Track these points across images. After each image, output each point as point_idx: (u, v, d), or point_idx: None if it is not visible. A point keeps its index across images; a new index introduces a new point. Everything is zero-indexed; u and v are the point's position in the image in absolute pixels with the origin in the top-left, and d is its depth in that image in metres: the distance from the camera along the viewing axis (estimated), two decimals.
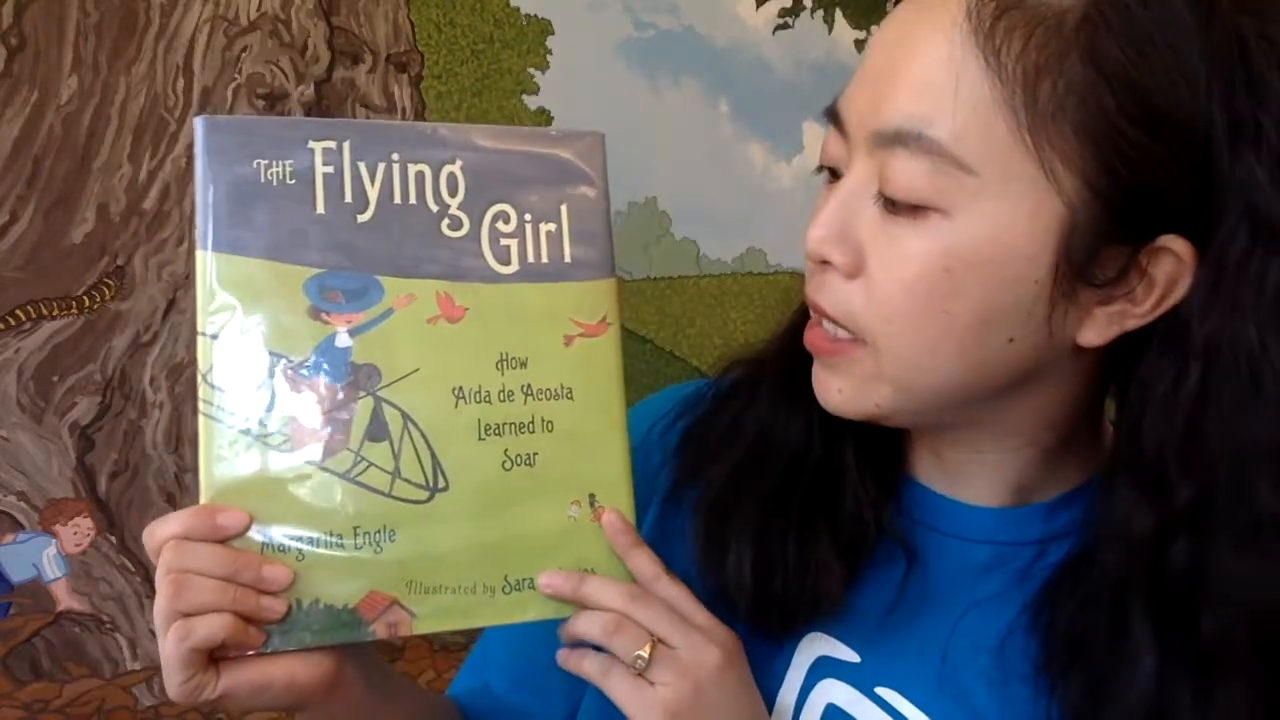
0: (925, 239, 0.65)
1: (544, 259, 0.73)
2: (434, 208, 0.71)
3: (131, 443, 1.82)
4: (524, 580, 0.71)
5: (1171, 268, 0.65)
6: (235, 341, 0.68)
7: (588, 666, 0.71)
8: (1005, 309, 0.65)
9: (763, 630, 0.76)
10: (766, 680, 0.77)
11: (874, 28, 2.24)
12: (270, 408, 0.68)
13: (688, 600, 0.72)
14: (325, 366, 0.68)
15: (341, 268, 0.69)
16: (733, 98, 2.24)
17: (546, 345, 0.73)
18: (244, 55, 1.90)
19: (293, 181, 0.69)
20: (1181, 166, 0.63)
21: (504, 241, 0.73)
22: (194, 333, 0.68)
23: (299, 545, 0.67)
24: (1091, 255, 0.64)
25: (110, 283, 1.81)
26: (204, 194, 0.68)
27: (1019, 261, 0.64)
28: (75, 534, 1.80)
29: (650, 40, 2.19)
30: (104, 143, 1.81)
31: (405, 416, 0.70)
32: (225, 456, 0.67)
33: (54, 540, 1.79)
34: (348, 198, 0.70)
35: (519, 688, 0.86)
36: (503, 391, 0.72)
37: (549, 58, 2.11)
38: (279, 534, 0.67)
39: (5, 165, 1.75)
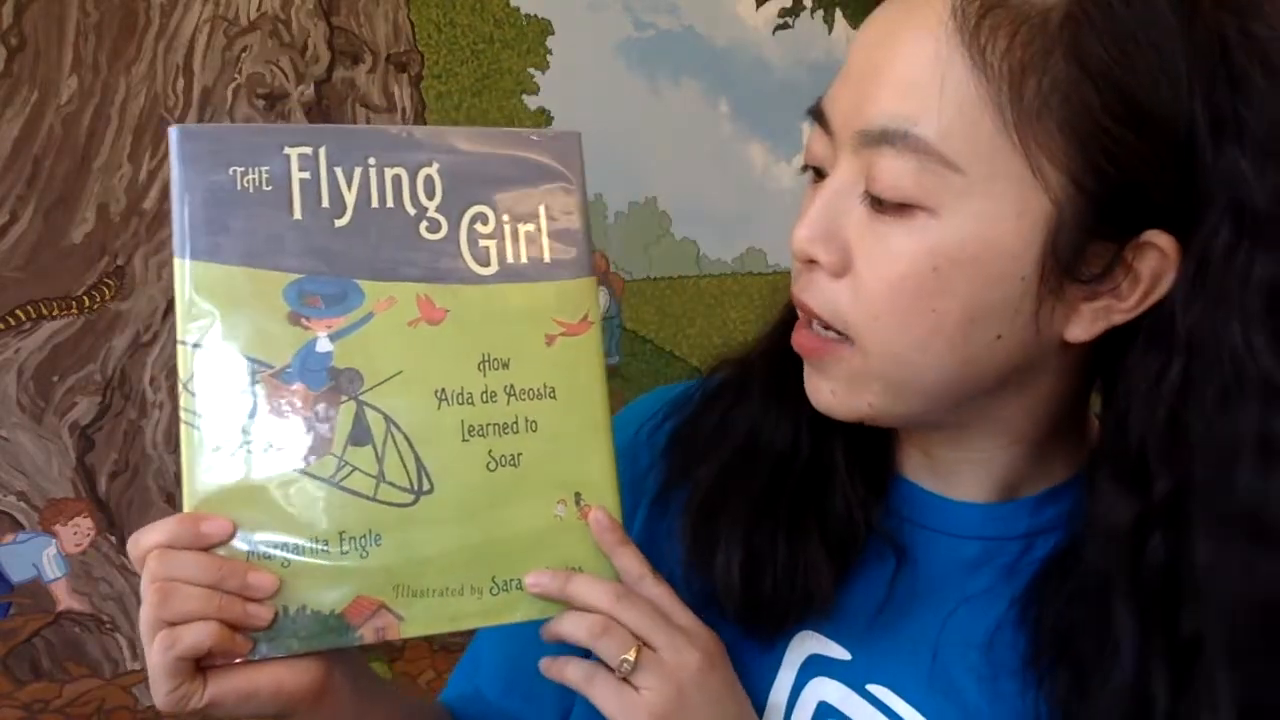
0: (912, 238, 0.65)
1: (523, 259, 0.73)
2: (412, 211, 0.71)
3: (131, 443, 1.82)
4: (511, 581, 0.71)
5: (1157, 263, 0.65)
6: (215, 349, 0.67)
7: (571, 674, 0.71)
8: (993, 306, 0.65)
9: (753, 630, 0.76)
10: (758, 679, 0.77)
11: None
12: (252, 415, 0.67)
13: (671, 601, 0.72)
14: (306, 372, 0.68)
15: (320, 273, 0.69)
16: (733, 98, 2.24)
17: (528, 345, 0.73)
18: (244, 55, 1.90)
19: (269, 188, 0.69)
20: (1165, 162, 0.63)
21: (483, 243, 0.73)
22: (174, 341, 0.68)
23: (284, 552, 0.67)
24: (1077, 252, 0.64)
25: (110, 283, 1.81)
26: (180, 202, 0.68)
27: (1006, 259, 0.64)
28: (75, 534, 1.80)
29: (650, 40, 2.19)
30: (104, 143, 1.81)
31: (388, 420, 0.69)
32: (208, 464, 0.67)
33: (54, 540, 1.79)
34: (325, 203, 0.70)
35: (510, 692, 0.86)
36: (485, 392, 0.71)
37: (549, 58, 2.11)
38: (264, 541, 0.67)
39: (5, 165, 1.75)
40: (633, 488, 0.81)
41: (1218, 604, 0.65)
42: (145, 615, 0.64)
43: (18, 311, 1.76)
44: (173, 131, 0.68)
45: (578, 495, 0.73)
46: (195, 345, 0.67)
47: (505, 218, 0.73)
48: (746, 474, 0.78)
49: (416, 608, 0.69)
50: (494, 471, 0.71)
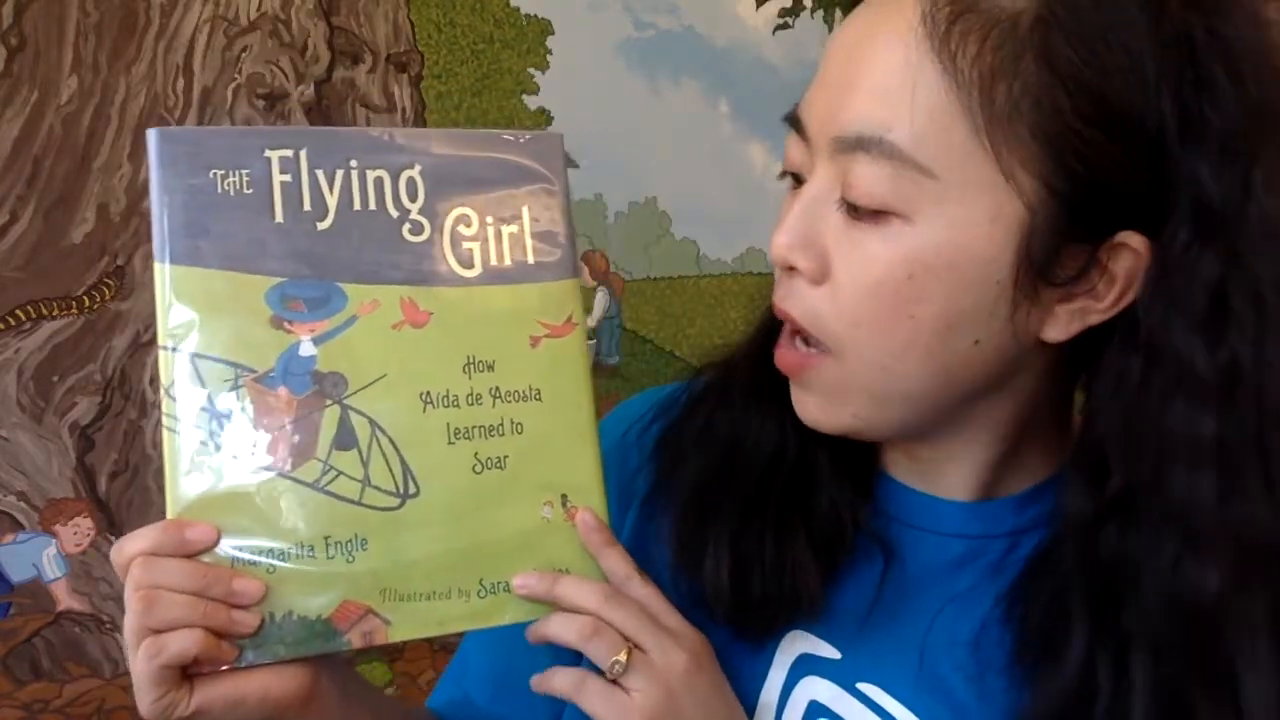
0: (887, 244, 0.65)
1: (507, 261, 0.73)
2: (394, 213, 0.71)
3: (131, 443, 1.82)
4: (499, 583, 0.71)
5: (1130, 263, 0.65)
6: (197, 354, 0.67)
7: (559, 683, 0.71)
8: (969, 311, 0.66)
9: (743, 631, 0.77)
10: (749, 679, 0.77)
11: None
12: (236, 419, 0.67)
13: (659, 602, 0.73)
14: (290, 376, 0.68)
15: (303, 276, 0.69)
16: (733, 98, 2.23)
17: (513, 347, 0.73)
18: (244, 55, 1.90)
19: (250, 191, 0.68)
20: (1136, 163, 0.63)
21: (466, 245, 0.72)
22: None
23: (269, 557, 0.66)
24: (1052, 255, 0.64)
25: (110, 283, 1.81)
26: (159, 206, 0.67)
27: (980, 264, 0.64)
28: (75, 534, 1.80)
29: (650, 40, 2.19)
30: (104, 143, 1.81)
31: (373, 423, 0.69)
32: (191, 470, 0.66)
33: (54, 540, 1.80)
34: (306, 205, 0.69)
35: (499, 697, 0.86)
36: (471, 395, 0.71)
37: (549, 58, 2.11)
38: (249, 547, 0.66)
39: (5, 165, 1.75)
40: (623, 489, 0.82)
41: (1146, 600, 0.66)
42: (129, 623, 0.64)
43: (18, 311, 1.76)
44: (151, 134, 0.68)
45: (564, 497, 0.73)
46: (176, 350, 0.67)
47: (488, 219, 0.73)
48: (733, 476, 0.78)
49: (404, 612, 0.68)
50: (480, 474, 0.71)
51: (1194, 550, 0.65)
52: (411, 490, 0.69)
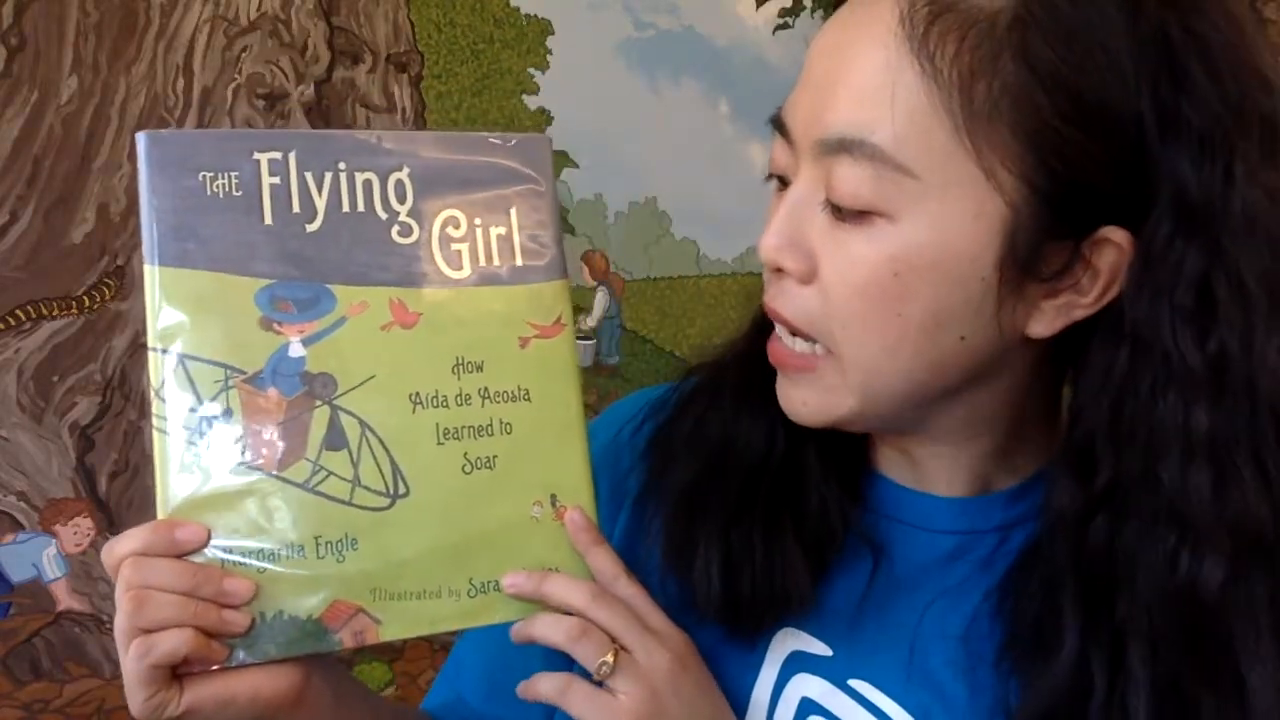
0: (872, 244, 0.65)
1: (495, 262, 0.74)
2: (383, 215, 0.71)
3: (131, 443, 1.83)
4: (489, 583, 0.71)
5: (1114, 258, 0.66)
6: (187, 356, 0.67)
7: (544, 688, 0.71)
8: (955, 308, 0.66)
9: (734, 630, 0.77)
10: (740, 678, 0.77)
11: None
12: (225, 421, 0.67)
13: (645, 601, 0.73)
14: (279, 377, 0.68)
15: (292, 278, 0.69)
16: (733, 98, 2.23)
17: (502, 348, 0.73)
18: (244, 55, 1.90)
19: (239, 193, 0.69)
20: (1116, 160, 0.64)
21: (455, 246, 0.73)
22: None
23: (260, 558, 0.67)
24: (1035, 251, 0.65)
25: (110, 283, 1.81)
26: (149, 209, 0.68)
27: (965, 261, 0.65)
28: (75, 534, 1.81)
29: (650, 40, 2.19)
30: (104, 143, 1.82)
31: (363, 424, 0.69)
32: (181, 471, 0.67)
33: (54, 540, 1.80)
34: (295, 208, 0.70)
35: (493, 698, 0.85)
36: (460, 395, 0.71)
37: (549, 58, 2.11)
38: (239, 547, 0.66)
39: (5, 165, 1.75)
40: (615, 489, 0.82)
41: (1142, 594, 0.66)
42: (120, 623, 0.64)
43: (18, 311, 1.76)
44: (140, 137, 0.68)
45: (553, 496, 0.73)
46: (166, 351, 0.67)
47: (477, 221, 0.73)
48: (722, 477, 0.78)
49: (394, 611, 0.69)
50: (470, 474, 0.71)
51: (1190, 543, 0.66)
52: (401, 490, 0.69)
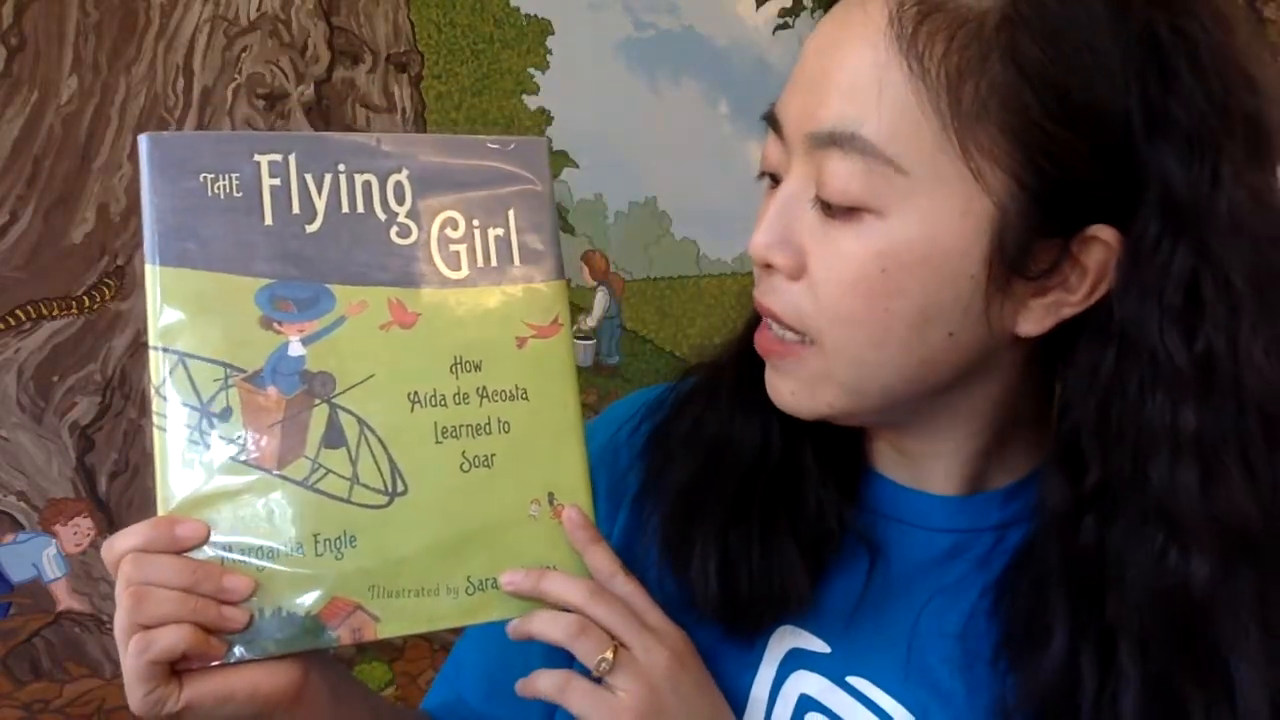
0: (861, 240, 0.66)
1: (493, 263, 0.74)
2: (382, 216, 0.72)
3: (131, 443, 1.83)
4: (487, 580, 0.71)
5: (1102, 256, 0.66)
6: (187, 354, 0.68)
7: (543, 686, 0.72)
8: (943, 305, 0.66)
9: (732, 628, 0.77)
10: (739, 675, 0.78)
11: None
12: (225, 419, 0.68)
13: (642, 599, 0.73)
14: (279, 376, 0.69)
15: (292, 278, 0.70)
16: (733, 98, 2.23)
17: (500, 348, 0.74)
18: (244, 55, 1.90)
19: (239, 194, 0.69)
20: (1104, 158, 0.64)
21: (453, 247, 0.73)
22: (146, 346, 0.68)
23: (259, 555, 0.67)
24: (1023, 249, 0.65)
25: (110, 283, 1.81)
26: (150, 209, 0.68)
27: (953, 258, 0.65)
28: (75, 534, 1.81)
29: (650, 40, 2.19)
30: (104, 143, 1.81)
31: (361, 422, 0.70)
32: (181, 468, 0.67)
33: (54, 540, 1.80)
34: (295, 208, 0.70)
35: (493, 698, 0.86)
36: (458, 394, 0.72)
37: (549, 58, 2.11)
38: (238, 544, 0.67)
39: (5, 165, 1.75)
40: (614, 488, 0.83)
41: (1131, 592, 0.67)
42: (120, 620, 0.64)
43: (18, 311, 1.76)
44: (142, 139, 0.69)
45: (551, 495, 0.74)
46: (166, 350, 0.68)
47: (475, 222, 0.74)
48: (719, 476, 0.78)
49: (392, 608, 0.69)
50: (468, 472, 0.72)
51: (1179, 541, 0.66)
52: (400, 488, 0.70)
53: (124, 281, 1.82)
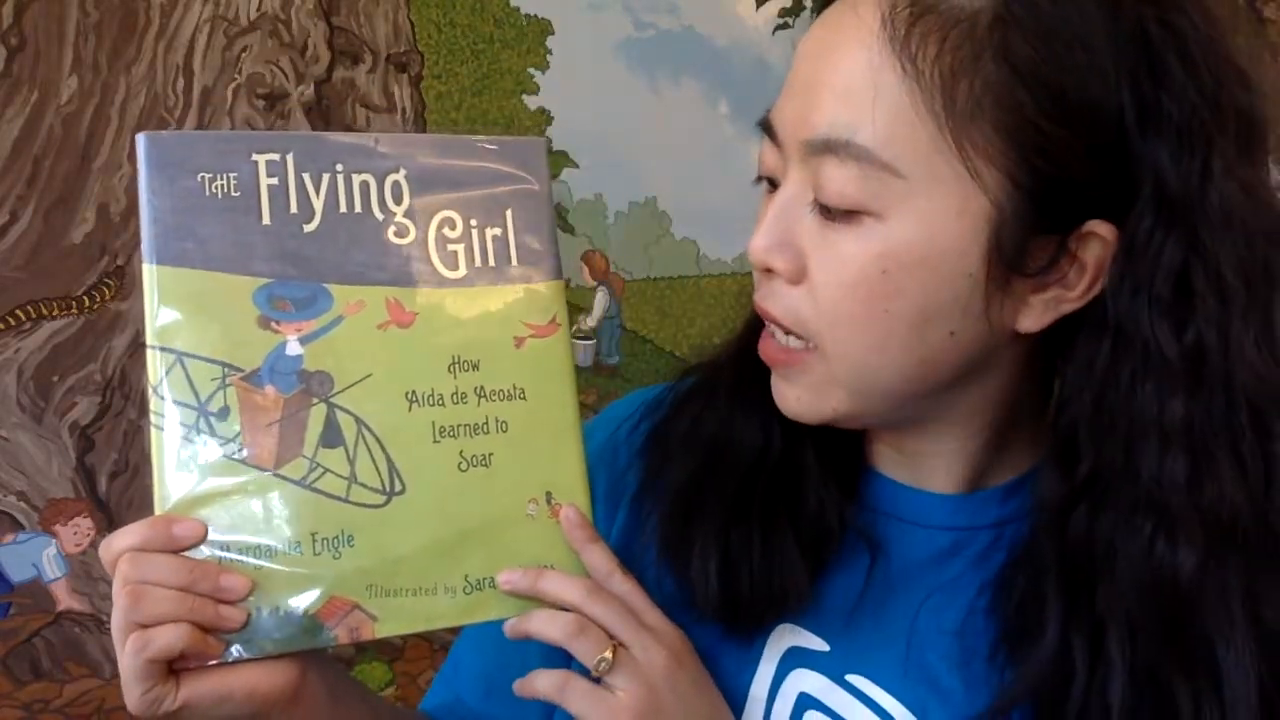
0: (861, 242, 0.66)
1: (491, 263, 0.74)
2: (380, 216, 0.72)
3: (131, 443, 1.83)
4: (484, 579, 0.72)
5: (1099, 251, 0.67)
6: (185, 353, 0.68)
7: (541, 685, 0.72)
8: (943, 304, 0.67)
9: (732, 627, 0.77)
10: (738, 674, 0.78)
11: None
12: (223, 418, 0.68)
13: (640, 598, 0.73)
14: (277, 375, 0.69)
15: (289, 277, 0.70)
16: (733, 98, 2.23)
17: (497, 347, 0.74)
18: (244, 55, 1.90)
19: (237, 194, 0.70)
20: (1099, 155, 0.65)
21: (451, 247, 0.74)
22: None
23: (256, 554, 0.67)
24: (1021, 247, 0.66)
25: (110, 283, 1.81)
26: (148, 209, 0.68)
27: (952, 258, 0.66)
28: (75, 534, 1.81)
29: (650, 40, 2.19)
30: (104, 143, 1.81)
31: (359, 422, 0.70)
32: (179, 468, 0.67)
33: (54, 540, 1.80)
34: (293, 208, 0.71)
35: (491, 698, 0.86)
36: (456, 394, 0.72)
37: (549, 58, 2.11)
38: (236, 543, 0.67)
39: (5, 165, 1.75)
40: (612, 488, 0.83)
41: (1121, 582, 0.67)
42: (117, 619, 0.64)
43: (18, 311, 1.76)
44: (140, 138, 0.69)
45: (548, 494, 0.74)
46: (164, 349, 0.68)
47: (472, 222, 0.74)
48: (719, 476, 0.78)
49: (390, 607, 0.69)
50: (465, 472, 0.72)
51: (1167, 531, 0.67)
52: (397, 488, 0.70)
53: (124, 281, 1.82)
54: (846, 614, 0.77)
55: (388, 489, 0.70)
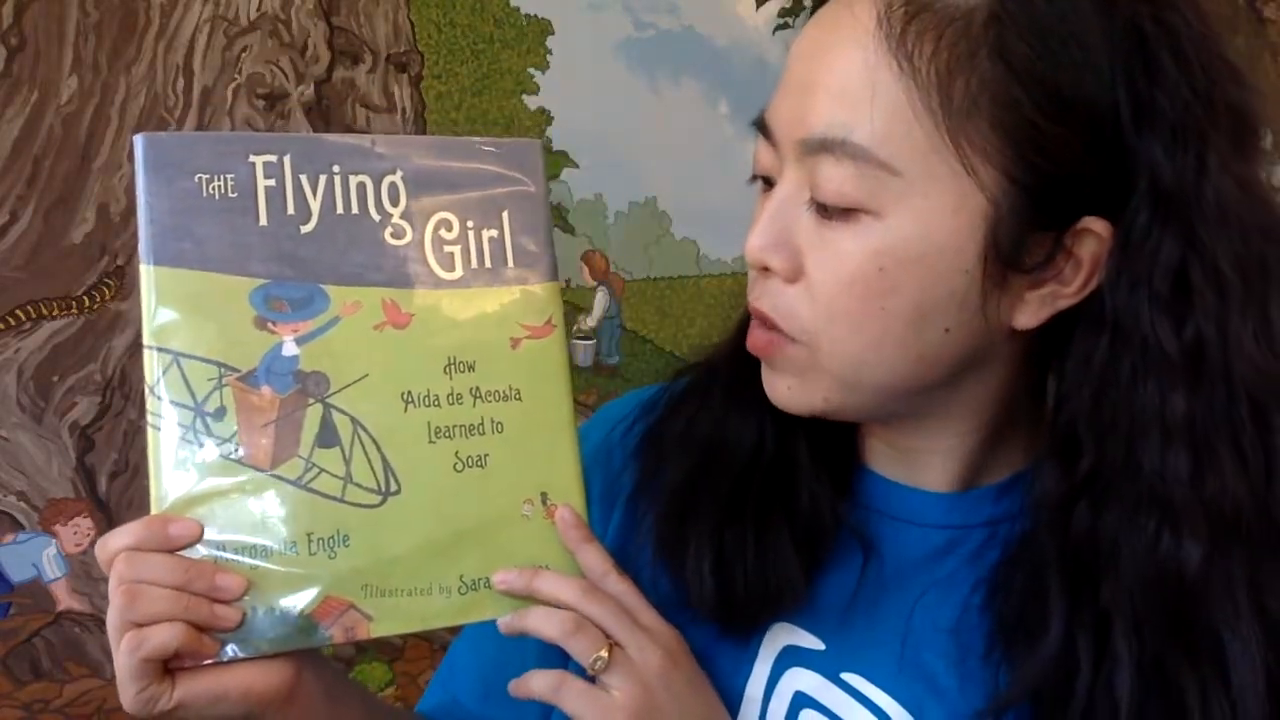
0: (858, 240, 0.66)
1: (487, 264, 0.75)
2: (376, 217, 0.72)
3: (131, 443, 1.83)
4: (479, 580, 0.72)
5: (1095, 247, 0.67)
6: (181, 354, 0.68)
7: (537, 685, 0.72)
8: (940, 301, 0.67)
9: (727, 626, 0.77)
10: (734, 673, 0.78)
11: None
12: (219, 418, 0.68)
13: (635, 598, 0.73)
14: (273, 375, 0.69)
15: (286, 278, 0.70)
16: (733, 98, 2.23)
17: (494, 348, 0.74)
18: (244, 55, 1.90)
19: (234, 195, 0.70)
20: (1094, 151, 0.65)
21: (447, 248, 0.74)
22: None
23: (252, 554, 0.67)
24: (1018, 243, 0.66)
25: (110, 283, 1.81)
26: (145, 209, 0.69)
27: (948, 254, 0.66)
28: (75, 534, 1.81)
29: (650, 40, 2.19)
30: (104, 143, 1.81)
31: (355, 422, 0.70)
32: (175, 467, 0.67)
33: (54, 540, 1.80)
34: (290, 209, 0.71)
35: (488, 700, 0.86)
36: (452, 395, 0.72)
37: (549, 58, 2.11)
38: (231, 543, 0.67)
39: (5, 165, 1.75)
40: (608, 488, 0.83)
41: (1125, 576, 0.67)
42: (112, 618, 0.65)
43: (18, 311, 1.76)
44: (137, 139, 0.69)
45: (544, 495, 0.74)
46: (161, 349, 0.68)
47: (469, 224, 0.74)
48: (713, 475, 0.79)
49: (385, 607, 0.69)
50: (461, 472, 0.72)
51: (1171, 526, 0.67)
52: (393, 488, 0.70)
53: (124, 281, 1.82)
54: (841, 612, 0.77)
55: (383, 489, 0.70)
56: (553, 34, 2.11)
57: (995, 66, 0.63)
